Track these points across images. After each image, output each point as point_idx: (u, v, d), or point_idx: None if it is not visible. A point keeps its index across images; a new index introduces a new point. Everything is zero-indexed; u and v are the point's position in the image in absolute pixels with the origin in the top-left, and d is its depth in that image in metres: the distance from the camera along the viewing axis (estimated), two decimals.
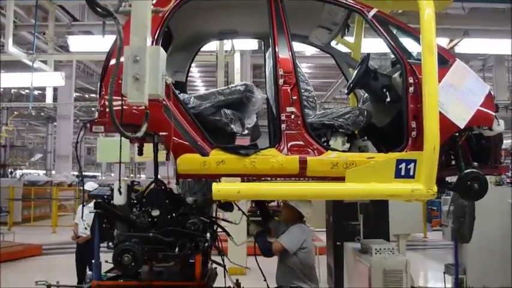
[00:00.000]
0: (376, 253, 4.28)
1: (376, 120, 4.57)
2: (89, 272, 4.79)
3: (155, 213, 4.07)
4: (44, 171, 29.23)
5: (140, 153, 4.25)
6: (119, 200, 4.06)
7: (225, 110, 4.01)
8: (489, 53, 16.99)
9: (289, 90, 3.92)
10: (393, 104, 4.38)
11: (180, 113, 3.86)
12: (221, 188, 3.63)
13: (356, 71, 4.47)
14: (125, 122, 3.72)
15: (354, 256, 4.65)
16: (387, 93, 4.33)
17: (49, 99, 13.80)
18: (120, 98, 3.25)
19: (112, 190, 4.14)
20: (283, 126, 3.87)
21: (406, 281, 4.18)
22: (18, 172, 29.93)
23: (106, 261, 4.28)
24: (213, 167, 3.79)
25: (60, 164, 20.48)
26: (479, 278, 7.70)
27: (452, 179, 4.28)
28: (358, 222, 7.74)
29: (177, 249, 3.94)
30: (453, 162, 4.18)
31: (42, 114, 29.32)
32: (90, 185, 7.96)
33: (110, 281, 4.22)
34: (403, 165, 3.71)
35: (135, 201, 4.28)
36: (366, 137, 4.53)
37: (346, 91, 4.81)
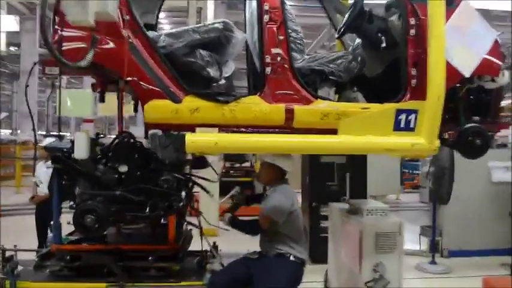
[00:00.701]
0: (367, 214, 3.92)
1: (367, 70, 4.14)
2: (50, 235, 4.32)
3: (123, 169, 3.59)
4: (10, 131, 28.06)
5: (102, 99, 3.69)
6: (80, 153, 3.55)
7: (201, 51, 3.49)
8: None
9: (275, 28, 3.44)
10: (388, 51, 3.96)
11: (148, 52, 3.33)
12: (196, 140, 3.16)
13: (348, 13, 3.98)
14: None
15: (341, 217, 4.29)
16: (383, 37, 3.90)
17: (2, 45, 12.65)
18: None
19: (72, 143, 3.62)
20: (268, 70, 3.40)
21: (399, 244, 3.85)
22: None
23: (68, 223, 3.81)
24: (186, 115, 3.31)
25: (25, 122, 19.57)
26: (455, 240, 7.61)
27: None
28: (335, 182, 7.53)
29: (147, 210, 3.50)
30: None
31: (7, 71, 27.92)
32: (49, 141, 7.31)
33: (71, 245, 3.75)
34: (403, 117, 3.31)
35: (99, 156, 3.80)
36: (355, 88, 4.13)
37: (336, 35, 4.33)
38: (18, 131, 20.77)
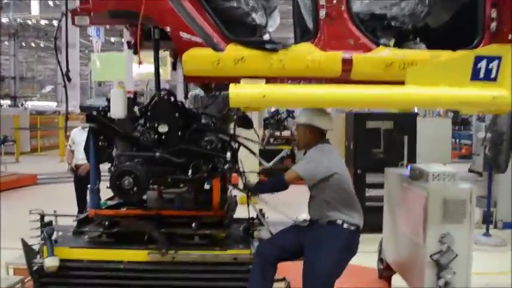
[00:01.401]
0: (433, 179, 3.47)
1: (432, 19, 3.62)
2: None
3: (163, 129, 3.30)
4: (56, 103, 28.65)
5: (135, 52, 3.33)
6: (117, 111, 3.28)
7: None
8: None
9: None
10: None
11: None
12: (241, 92, 2.79)
13: None
14: (119, 9, 2.91)
15: (401, 183, 3.86)
16: None
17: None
18: None
19: (109, 101, 3.35)
20: (322, 13, 2.97)
21: (470, 214, 3.40)
22: (30, 104, 29.38)
23: (107, 187, 3.60)
24: (230, 66, 2.94)
25: (69, 94, 19.77)
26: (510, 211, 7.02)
27: None
28: (381, 149, 7.07)
29: (190, 172, 3.20)
30: None
31: (51, 45, 28.37)
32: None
33: (109, 210, 3.52)
34: (482, 64, 2.82)
35: (138, 116, 3.52)
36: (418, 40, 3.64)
37: None
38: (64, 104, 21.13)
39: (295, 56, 2.96)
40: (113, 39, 24.89)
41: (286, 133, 13.30)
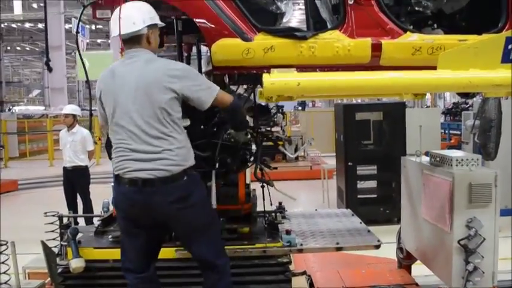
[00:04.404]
0: (457, 165, 3.47)
1: (447, 5, 3.62)
2: (105, 200, 4.03)
3: (185, 123, 3.22)
4: (43, 107, 28.24)
5: (161, 45, 3.26)
6: None
7: None
8: None
9: None
10: None
11: None
12: (275, 81, 2.73)
13: None
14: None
15: (421, 170, 3.85)
16: None
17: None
18: None
19: None
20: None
21: (496, 198, 3.41)
22: (17, 109, 28.79)
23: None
24: (260, 55, 2.90)
25: (55, 97, 19.48)
26: (502, 198, 6.97)
27: None
28: (371, 141, 7.09)
29: (217, 166, 3.13)
30: None
31: (37, 49, 27.92)
32: (70, 108, 7.07)
33: None
34: None
35: None
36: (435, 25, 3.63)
37: None
38: (52, 108, 20.74)
39: (325, 43, 2.93)
40: (99, 41, 24.59)
41: (275, 129, 13.26)
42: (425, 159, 4.05)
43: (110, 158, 3.37)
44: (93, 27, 22.71)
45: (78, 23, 3.32)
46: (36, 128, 18.28)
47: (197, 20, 2.86)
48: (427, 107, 17.82)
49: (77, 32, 3.48)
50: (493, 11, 3.26)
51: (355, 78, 2.79)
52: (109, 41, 20.01)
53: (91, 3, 2.99)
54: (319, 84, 2.78)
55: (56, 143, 17.48)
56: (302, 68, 2.99)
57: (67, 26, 20.58)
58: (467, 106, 17.37)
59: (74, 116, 6.92)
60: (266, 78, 2.72)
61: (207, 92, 2.71)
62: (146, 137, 2.62)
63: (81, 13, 3.15)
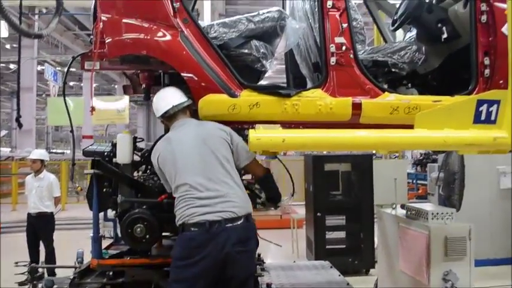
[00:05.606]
0: (433, 218, 3.59)
1: (421, 66, 3.85)
2: (79, 250, 3.93)
3: None
4: (10, 149, 27.48)
5: (147, 97, 3.33)
6: (123, 157, 3.21)
7: (255, 41, 3.19)
8: None
9: (337, 16, 3.16)
10: (445, 44, 3.71)
11: (200, 43, 3.02)
12: (261, 137, 2.82)
13: (406, 2, 3.72)
14: (136, 53, 2.93)
15: (397, 223, 3.96)
16: (443, 28, 3.64)
17: None
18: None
19: (114, 146, 3.29)
20: (333, 60, 3.10)
21: (469, 250, 3.52)
22: None
23: (103, 237, 3.48)
24: (245, 111, 3.00)
25: (23, 139, 19.00)
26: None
27: None
28: (340, 192, 7.20)
29: None
30: None
31: (7, 89, 27.50)
32: (38, 153, 6.96)
33: (113, 259, 3.36)
34: (483, 108, 3.01)
35: (139, 161, 3.48)
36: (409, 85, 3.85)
37: (391, 28, 4.05)
38: (18, 150, 20.28)
39: (308, 101, 3.05)
40: (71, 83, 24.48)
41: (246, 177, 13.28)
42: (400, 211, 4.17)
43: (90, 209, 3.37)
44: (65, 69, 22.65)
45: (66, 74, 3.37)
46: (0, 170, 17.73)
47: (184, 75, 2.94)
48: (395, 157, 18.23)
49: (65, 83, 3.47)
50: (463, 74, 3.49)
51: (338, 136, 2.90)
52: (81, 84, 19.93)
53: (81, 55, 3.05)
54: (303, 141, 2.87)
55: (20, 186, 16.97)
56: (286, 124, 3.10)
57: (39, 68, 20.48)
58: (437, 157, 17.89)
59: (42, 161, 6.82)
60: (252, 133, 2.80)
61: (248, 154, 3.03)
62: (210, 183, 2.81)
63: (69, 66, 3.21)
